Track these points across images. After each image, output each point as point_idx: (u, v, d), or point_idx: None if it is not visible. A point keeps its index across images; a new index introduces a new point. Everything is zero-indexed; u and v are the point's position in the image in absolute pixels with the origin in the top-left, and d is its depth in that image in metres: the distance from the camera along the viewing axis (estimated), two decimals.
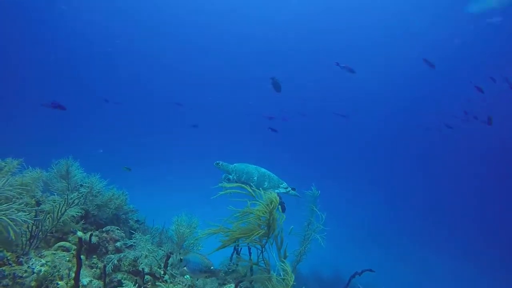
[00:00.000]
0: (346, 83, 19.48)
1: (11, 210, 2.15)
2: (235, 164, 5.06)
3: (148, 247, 2.76)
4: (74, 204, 2.83)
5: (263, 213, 1.81)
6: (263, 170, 4.97)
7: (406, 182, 19.39)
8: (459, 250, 12.87)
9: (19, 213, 2.19)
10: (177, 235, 3.22)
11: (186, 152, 19.36)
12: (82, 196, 3.45)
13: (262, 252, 2.14)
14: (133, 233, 4.95)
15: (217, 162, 5.17)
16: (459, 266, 11.68)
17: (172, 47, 22.61)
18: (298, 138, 22.68)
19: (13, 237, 2.11)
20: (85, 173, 4.25)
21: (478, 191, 18.20)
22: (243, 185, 5.04)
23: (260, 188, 4.88)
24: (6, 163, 3.53)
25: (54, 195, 4.06)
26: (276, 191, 4.84)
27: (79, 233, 1.88)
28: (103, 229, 3.54)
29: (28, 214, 2.27)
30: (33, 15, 19.33)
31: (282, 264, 1.89)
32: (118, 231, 3.58)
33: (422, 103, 20.85)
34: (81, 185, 4.15)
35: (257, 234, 1.79)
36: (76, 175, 3.95)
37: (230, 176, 4.97)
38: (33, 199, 3.66)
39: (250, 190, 1.93)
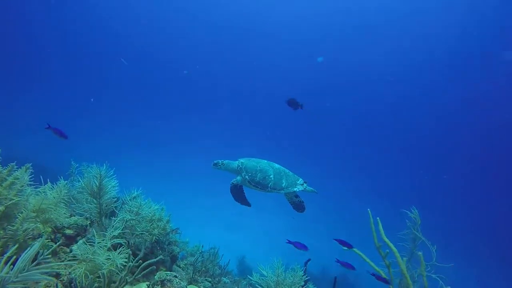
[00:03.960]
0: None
1: None
2: (241, 161, 3.95)
3: None
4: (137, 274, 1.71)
5: None
6: (276, 165, 3.99)
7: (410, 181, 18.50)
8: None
9: None
10: None
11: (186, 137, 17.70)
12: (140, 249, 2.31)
13: None
14: (176, 261, 3.90)
15: (216, 161, 4.02)
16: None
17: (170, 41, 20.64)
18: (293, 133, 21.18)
19: None
20: (116, 182, 3.07)
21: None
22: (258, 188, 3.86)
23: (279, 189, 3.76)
24: (11, 173, 2.33)
25: (75, 215, 2.92)
26: (295, 189, 3.87)
27: None
28: (157, 279, 2.44)
29: None
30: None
31: None
32: (177, 280, 2.48)
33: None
34: (116, 205, 2.99)
35: None
36: (111, 191, 2.79)
37: (239, 177, 3.91)
38: (48, 226, 2.51)
39: None
